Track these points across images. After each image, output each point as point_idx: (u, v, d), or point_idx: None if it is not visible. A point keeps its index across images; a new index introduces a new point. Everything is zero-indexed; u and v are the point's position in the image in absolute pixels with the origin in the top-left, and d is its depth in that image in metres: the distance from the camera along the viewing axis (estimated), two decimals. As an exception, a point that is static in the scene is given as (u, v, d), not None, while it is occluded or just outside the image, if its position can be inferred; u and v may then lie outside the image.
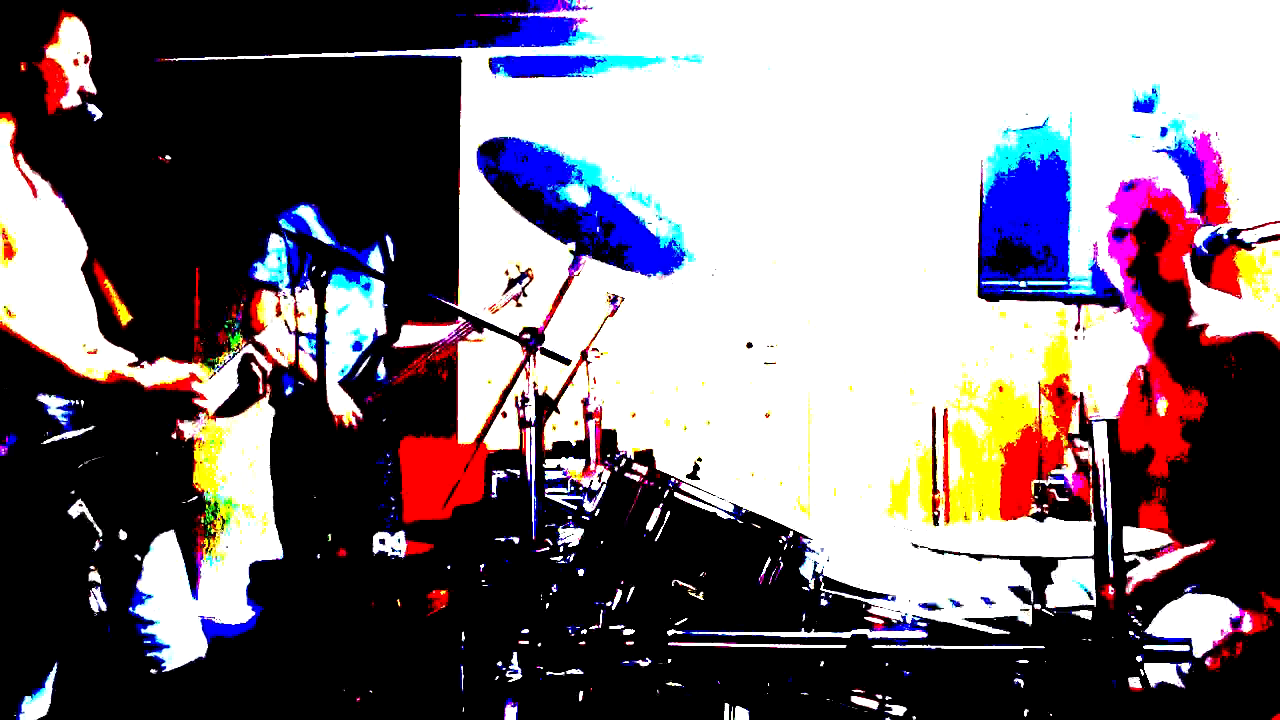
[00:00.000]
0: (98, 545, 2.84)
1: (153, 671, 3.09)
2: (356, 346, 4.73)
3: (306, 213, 4.69)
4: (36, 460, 2.80)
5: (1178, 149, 4.22)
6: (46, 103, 2.92)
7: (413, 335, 4.91)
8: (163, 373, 2.98)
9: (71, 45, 2.95)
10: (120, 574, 2.91)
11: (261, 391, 3.23)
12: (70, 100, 2.94)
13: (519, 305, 4.68)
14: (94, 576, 2.85)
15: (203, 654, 3.20)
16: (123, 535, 2.88)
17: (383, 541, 4.28)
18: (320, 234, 4.64)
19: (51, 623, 2.83)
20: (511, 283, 4.78)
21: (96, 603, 2.85)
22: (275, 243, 4.55)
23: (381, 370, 4.80)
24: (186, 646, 3.16)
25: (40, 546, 2.79)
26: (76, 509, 2.82)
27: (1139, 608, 2.86)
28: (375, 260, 4.79)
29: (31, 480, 2.79)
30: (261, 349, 3.21)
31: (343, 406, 4.52)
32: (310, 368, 4.19)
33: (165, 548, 3.08)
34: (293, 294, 2.89)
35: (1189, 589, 2.95)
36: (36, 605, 2.80)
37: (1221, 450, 2.96)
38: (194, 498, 3.02)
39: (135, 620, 3.06)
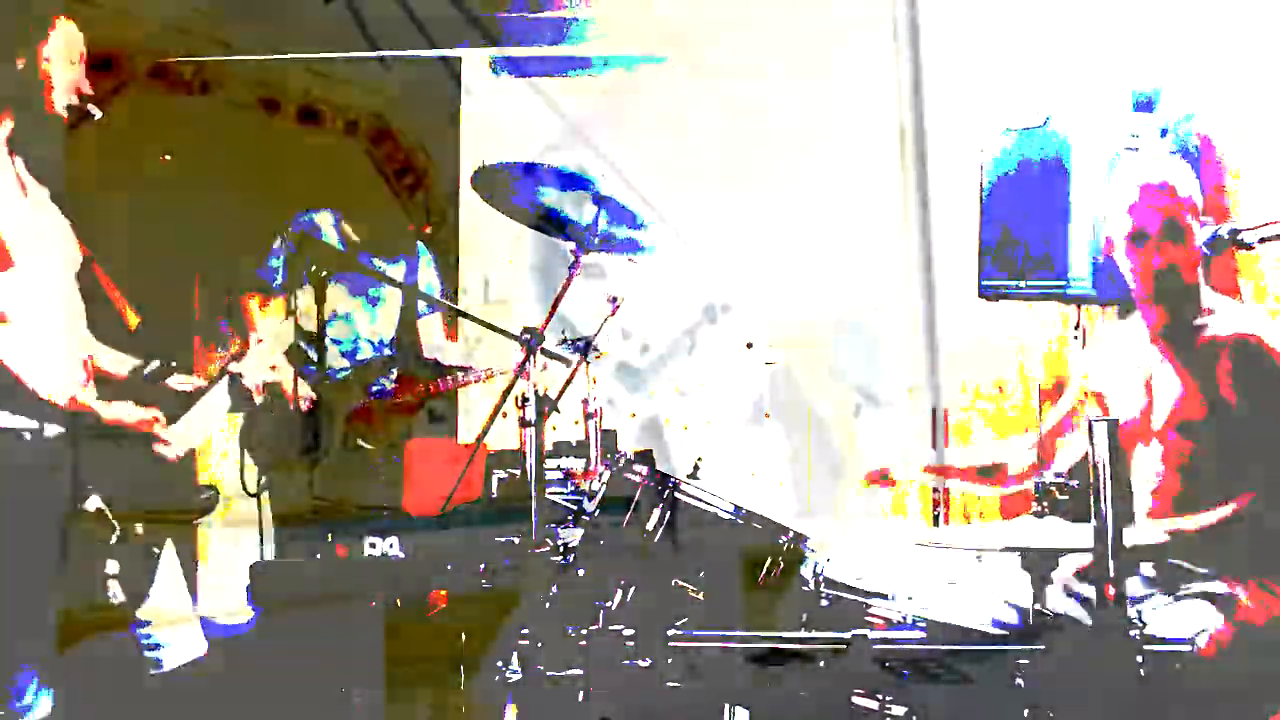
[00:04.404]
0: (114, 538, 2.85)
1: (151, 671, 3.09)
2: (349, 355, 4.72)
3: (323, 218, 4.70)
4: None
5: (1179, 149, 4.22)
6: (44, 100, 2.92)
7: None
8: (123, 411, 2.98)
9: (66, 46, 2.94)
10: (138, 566, 2.91)
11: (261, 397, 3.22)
12: (67, 100, 2.93)
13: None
14: (112, 568, 2.86)
15: (202, 654, 3.20)
16: (140, 529, 2.88)
17: (373, 545, 4.27)
18: (333, 239, 4.65)
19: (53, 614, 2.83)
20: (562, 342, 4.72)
21: (115, 594, 2.86)
22: (278, 245, 4.54)
23: (388, 383, 4.79)
24: (184, 646, 3.16)
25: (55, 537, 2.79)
26: (93, 502, 2.83)
27: None
28: (397, 271, 4.79)
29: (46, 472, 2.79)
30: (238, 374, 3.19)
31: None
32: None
33: (163, 550, 3.08)
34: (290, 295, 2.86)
35: None
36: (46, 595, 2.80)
37: (1220, 450, 2.95)
38: (208, 493, 3.01)
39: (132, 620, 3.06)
